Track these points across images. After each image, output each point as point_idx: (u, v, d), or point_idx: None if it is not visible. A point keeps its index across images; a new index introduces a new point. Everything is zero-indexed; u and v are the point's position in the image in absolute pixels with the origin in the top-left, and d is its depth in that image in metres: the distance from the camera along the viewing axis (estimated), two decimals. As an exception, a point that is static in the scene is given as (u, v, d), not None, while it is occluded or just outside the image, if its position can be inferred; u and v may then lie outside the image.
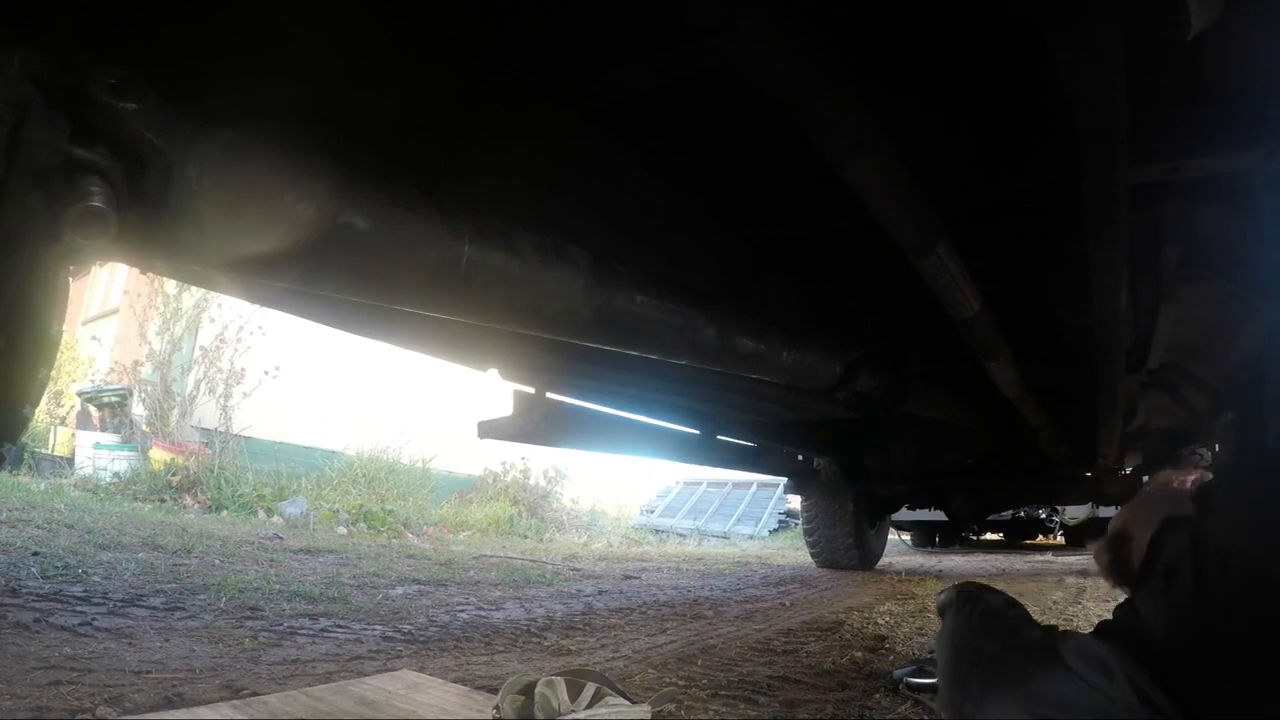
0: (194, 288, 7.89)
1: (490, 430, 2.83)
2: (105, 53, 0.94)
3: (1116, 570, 1.47)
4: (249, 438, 8.72)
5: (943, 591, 1.54)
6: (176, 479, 7.38)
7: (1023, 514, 10.41)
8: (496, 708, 1.47)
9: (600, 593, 4.36)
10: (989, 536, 12.11)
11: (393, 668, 2.13)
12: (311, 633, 2.61)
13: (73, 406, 9.41)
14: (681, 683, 2.14)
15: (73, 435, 8.52)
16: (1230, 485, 1.13)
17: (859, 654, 2.70)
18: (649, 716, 1.50)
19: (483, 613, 3.34)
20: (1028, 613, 1.32)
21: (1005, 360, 2.60)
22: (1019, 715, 1.04)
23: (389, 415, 10.77)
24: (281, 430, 9.96)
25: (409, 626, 2.85)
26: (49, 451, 8.36)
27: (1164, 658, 1.05)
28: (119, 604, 2.71)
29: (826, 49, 1.16)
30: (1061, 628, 1.26)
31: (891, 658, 2.61)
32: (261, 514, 7.12)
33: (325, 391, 10.88)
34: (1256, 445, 1.14)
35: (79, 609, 2.57)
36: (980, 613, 1.32)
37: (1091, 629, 1.23)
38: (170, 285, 8.87)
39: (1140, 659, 1.07)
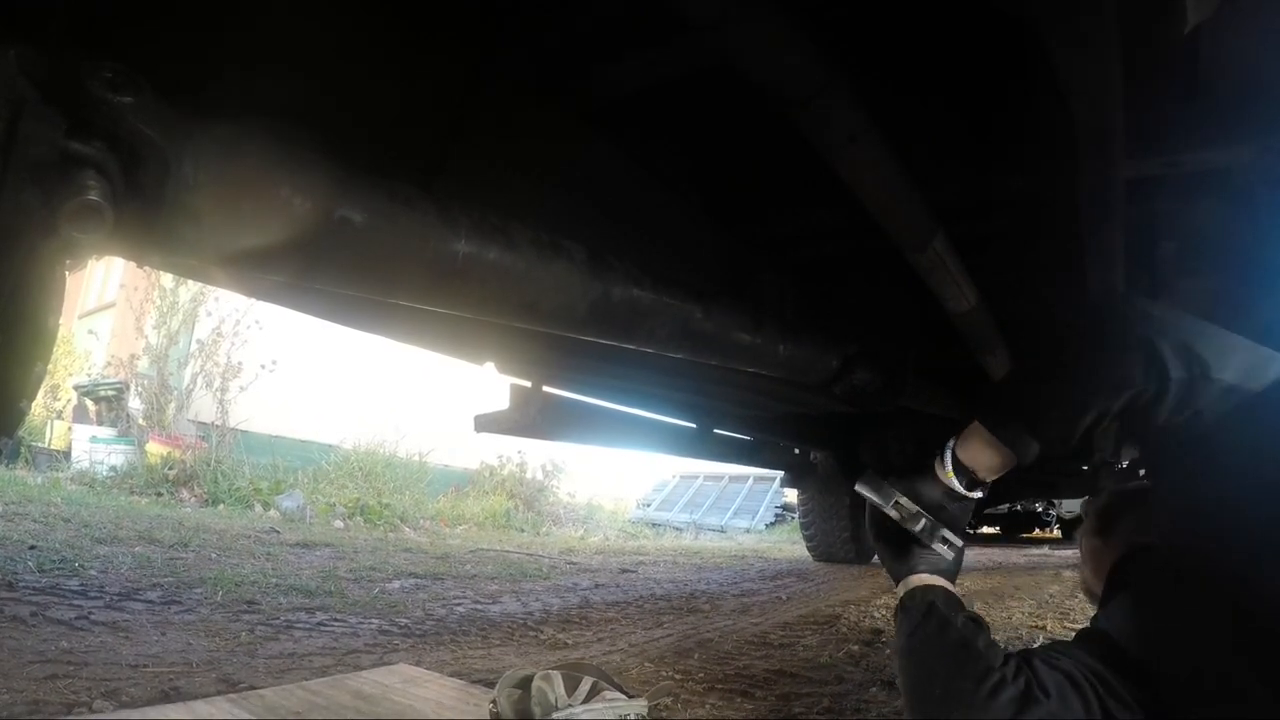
0: (191, 281, 7.88)
1: (487, 424, 2.83)
2: (100, 47, 0.94)
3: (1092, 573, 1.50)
4: (245, 432, 8.71)
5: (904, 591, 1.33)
6: (173, 473, 7.38)
7: (1019, 508, 10.43)
8: (493, 702, 1.47)
9: (597, 586, 4.37)
10: (986, 530, 12.14)
11: (389, 661, 2.14)
12: (308, 626, 2.62)
13: (69, 400, 9.39)
14: (678, 676, 2.14)
15: (69, 429, 8.51)
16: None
17: (855, 648, 2.71)
18: (646, 710, 1.51)
19: (479, 607, 3.35)
20: (991, 638, 1.20)
21: (1001, 355, 2.60)
22: None
23: (386, 409, 10.76)
24: (278, 424, 9.95)
25: (405, 620, 2.85)
26: (46, 445, 8.35)
27: (1138, 663, 1.09)
28: (115, 598, 2.72)
29: (824, 47, 1.16)
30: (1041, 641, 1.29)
31: (888, 651, 2.61)
32: (258, 508, 7.12)
33: (322, 385, 10.87)
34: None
35: (75, 603, 2.57)
36: (941, 634, 1.21)
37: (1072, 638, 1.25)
38: (167, 279, 8.85)
39: (1115, 666, 1.10)
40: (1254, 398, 1.04)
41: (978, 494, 1.30)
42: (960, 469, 1.28)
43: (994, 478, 1.29)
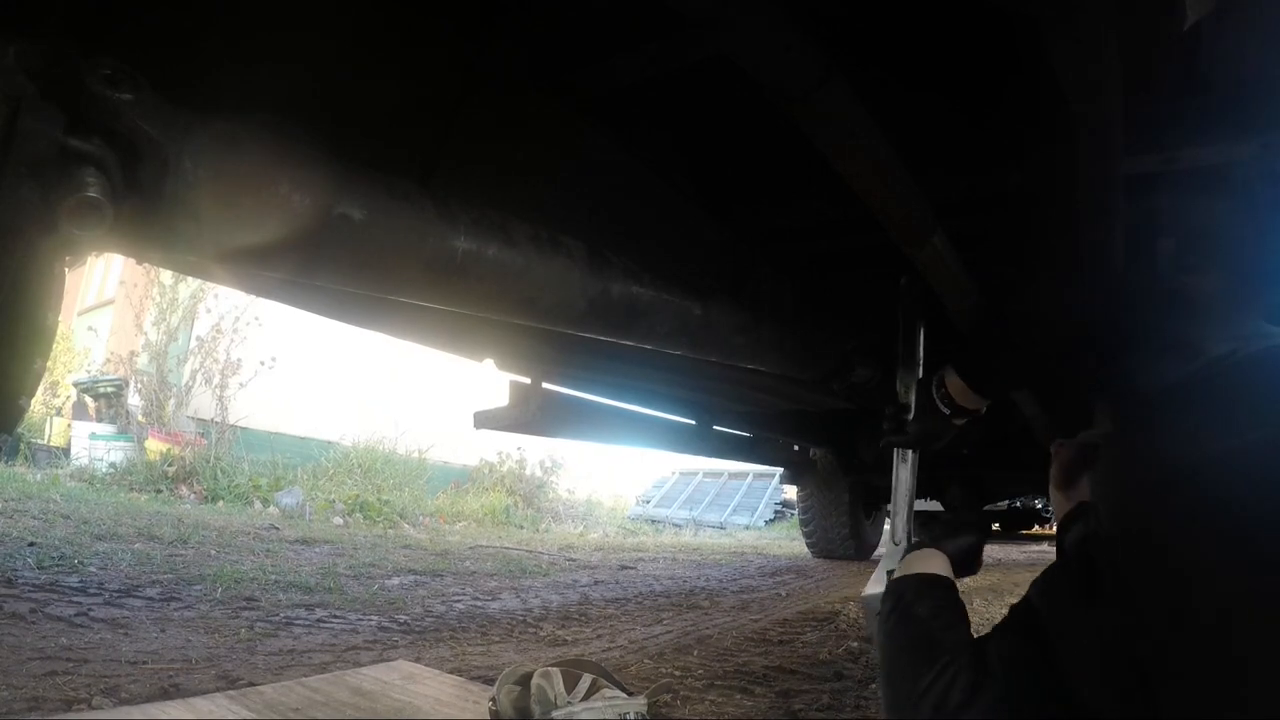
0: (190, 278, 7.87)
1: (486, 421, 2.83)
2: (99, 44, 0.94)
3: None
4: (245, 428, 8.71)
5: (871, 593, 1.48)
6: (172, 470, 7.38)
7: (1019, 504, 10.43)
8: (493, 699, 1.47)
9: (596, 583, 4.37)
10: (984, 527, 12.13)
11: (389, 658, 2.14)
12: (307, 623, 2.62)
13: (69, 397, 9.38)
14: (678, 673, 2.15)
15: (69, 426, 8.51)
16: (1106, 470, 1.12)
17: (854, 644, 2.71)
18: (645, 707, 1.51)
19: (479, 603, 3.35)
20: (957, 622, 1.24)
21: (1000, 351, 2.60)
22: None
23: (385, 406, 10.76)
24: (277, 421, 9.95)
25: (405, 617, 2.86)
26: (45, 442, 8.35)
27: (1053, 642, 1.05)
28: (115, 594, 2.72)
29: (823, 43, 1.16)
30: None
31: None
32: (257, 504, 7.12)
33: (322, 382, 10.87)
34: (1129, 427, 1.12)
35: (75, 599, 2.57)
36: (902, 627, 1.26)
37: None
38: (166, 276, 8.84)
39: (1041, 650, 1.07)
40: (1198, 374, 1.01)
41: (960, 420, 1.60)
42: (945, 396, 1.56)
43: (973, 405, 1.57)
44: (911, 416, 1.70)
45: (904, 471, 1.91)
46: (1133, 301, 1.17)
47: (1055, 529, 1.38)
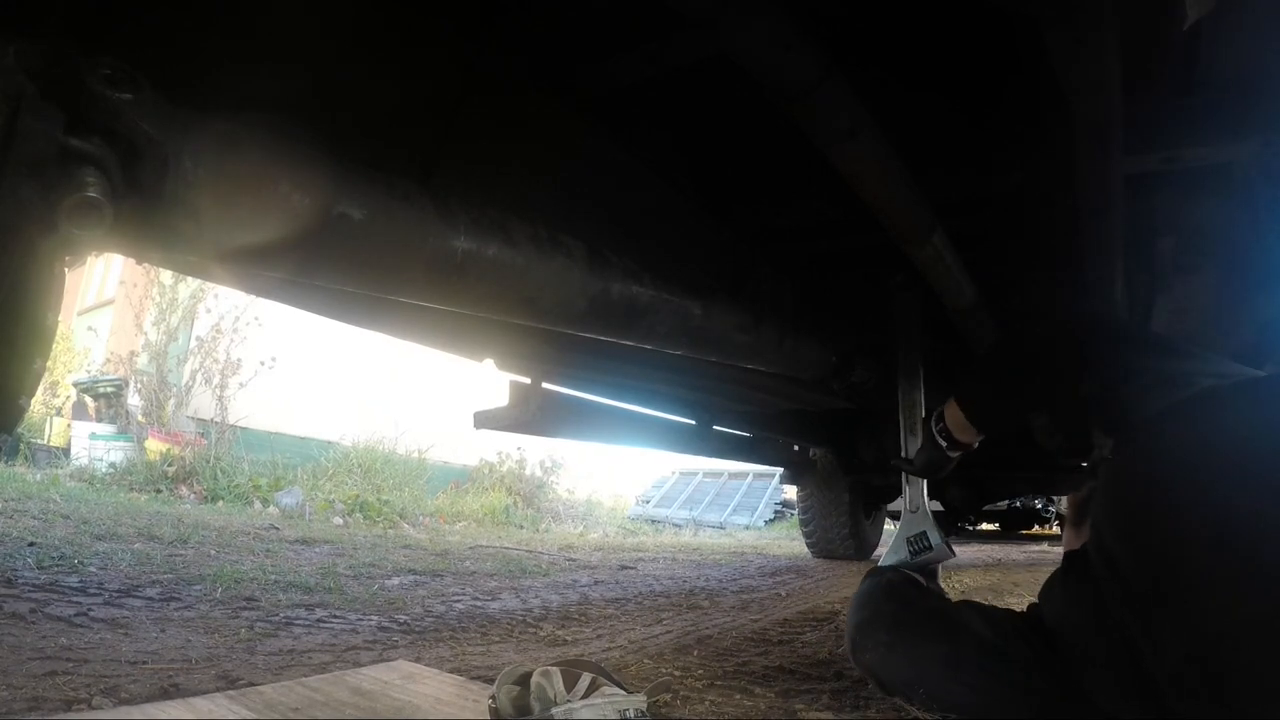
0: (190, 278, 7.87)
1: (486, 421, 2.83)
2: (99, 44, 0.94)
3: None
4: (245, 428, 8.70)
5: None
6: (172, 470, 7.37)
7: (1019, 504, 10.44)
8: (492, 698, 1.47)
9: (596, 583, 4.36)
10: (985, 526, 12.13)
11: (388, 658, 2.13)
12: (307, 623, 2.62)
13: (69, 397, 9.38)
14: (678, 673, 2.14)
15: (68, 426, 8.51)
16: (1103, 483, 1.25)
17: (854, 643, 2.70)
18: (645, 706, 1.50)
19: (478, 603, 3.34)
20: (922, 586, 1.75)
21: (1000, 351, 2.60)
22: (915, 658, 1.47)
23: (385, 405, 10.76)
24: (277, 421, 9.95)
25: (405, 617, 2.85)
26: (45, 442, 8.35)
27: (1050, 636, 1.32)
28: (115, 594, 2.71)
29: (823, 43, 1.16)
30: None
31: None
32: (257, 504, 7.12)
33: (321, 382, 10.87)
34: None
35: (75, 599, 2.56)
36: (884, 584, 1.74)
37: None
38: (166, 276, 8.84)
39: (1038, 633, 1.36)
40: (1189, 398, 1.10)
41: (955, 453, 1.74)
42: (944, 431, 1.69)
43: (968, 439, 1.70)
44: (918, 448, 1.88)
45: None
46: (1124, 344, 1.26)
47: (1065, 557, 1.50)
